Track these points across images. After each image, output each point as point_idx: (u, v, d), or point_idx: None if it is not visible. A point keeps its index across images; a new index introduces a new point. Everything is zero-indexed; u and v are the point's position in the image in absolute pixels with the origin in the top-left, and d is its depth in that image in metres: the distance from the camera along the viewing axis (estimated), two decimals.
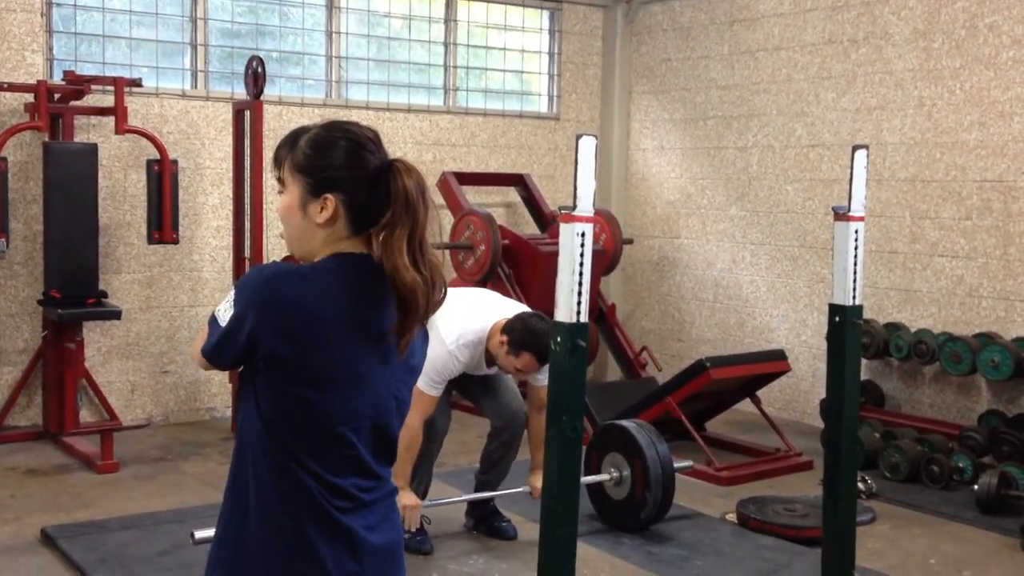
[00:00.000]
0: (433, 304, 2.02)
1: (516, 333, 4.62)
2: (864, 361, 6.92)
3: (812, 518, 5.22)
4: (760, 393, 6.84)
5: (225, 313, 1.97)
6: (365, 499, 2.04)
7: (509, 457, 5.18)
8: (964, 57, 6.79)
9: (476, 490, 5.26)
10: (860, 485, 5.70)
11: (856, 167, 4.19)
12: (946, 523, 5.57)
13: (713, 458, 6.24)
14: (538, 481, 4.87)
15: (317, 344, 1.95)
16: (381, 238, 2.00)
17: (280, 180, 2.07)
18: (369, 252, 2.04)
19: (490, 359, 4.80)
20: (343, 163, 2.01)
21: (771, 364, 6.75)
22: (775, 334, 7.96)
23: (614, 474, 5.34)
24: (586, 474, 5.23)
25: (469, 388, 5.09)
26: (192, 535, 3.93)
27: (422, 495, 5.00)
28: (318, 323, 1.94)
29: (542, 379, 4.82)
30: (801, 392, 7.75)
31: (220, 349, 1.99)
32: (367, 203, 2.02)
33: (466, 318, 4.71)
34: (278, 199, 2.11)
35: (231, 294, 1.99)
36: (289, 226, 2.07)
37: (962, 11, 6.80)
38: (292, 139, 2.07)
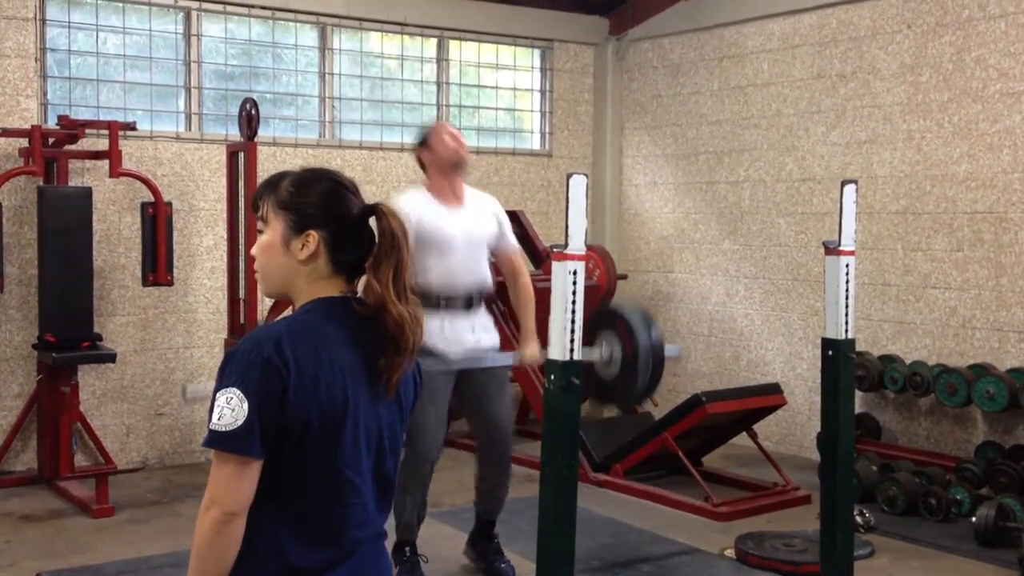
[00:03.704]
0: (418, 339, 2.05)
1: (418, 140, 4.92)
2: (860, 393, 6.92)
3: (811, 553, 5.19)
4: (757, 427, 6.83)
5: (232, 412, 1.90)
6: (351, 548, 2.04)
7: (502, 486, 5.06)
8: (952, 90, 6.85)
9: (477, 523, 5.18)
10: (858, 519, 5.68)
11: (845, 202, 4.23)
12: (944, 556, 5.54)
13: (711, 493, 6.22)
14: (527, 347, 4.83)
15: (318, 393, 1.95)
16: (368, 273, 2.04)
17: (262, 219, 2.10)
18: (348, 294, 2.07)
19: (447, 194, 4.85)
20: (326, 200, 2.06)
21: (767, 398, 6.75)
22: (770, 367, 7.96)
23: (604, 353, 5.11)
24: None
25: (465, 398, 4.94)
26: (184, 390, 3.73)
27: (418, 522, 4.92)
28: (315, 373, 1.95)
29: (509, 242, 4.97)
30: (798, 426, 7.74)
31: (247, 446, 1.90)
32: (348, 243, 2.06)
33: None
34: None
35: (228, 394, 1.91)
36: (269, 264, 2.09)
37: (949, 45, 6.87)
38: (274, 181, 2.11)
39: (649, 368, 4.98)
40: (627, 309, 5.21)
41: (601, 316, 5.23)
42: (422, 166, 4.93)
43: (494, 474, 5.05)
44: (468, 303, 4.81)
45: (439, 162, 4.82)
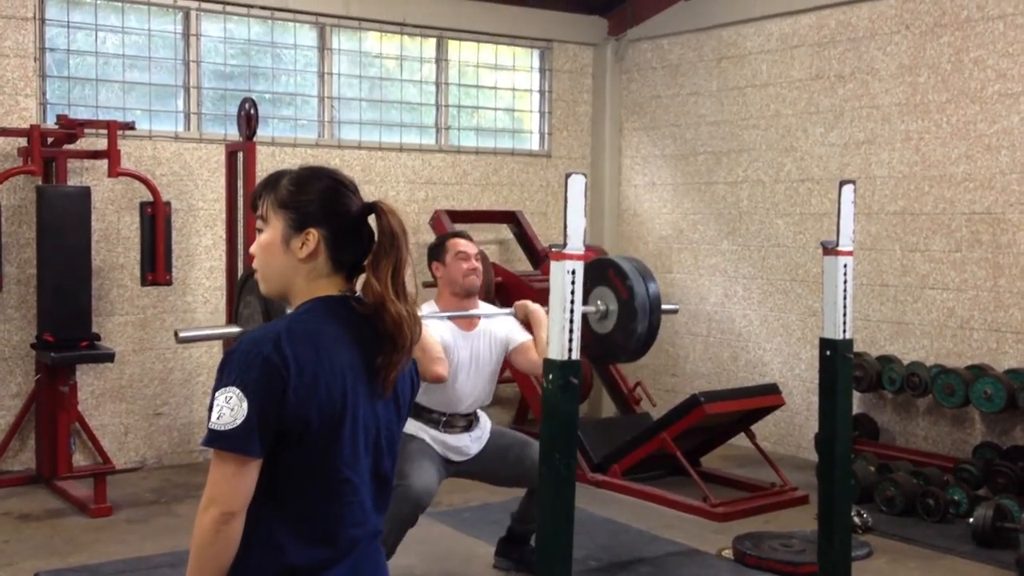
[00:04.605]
0: (417, 336, 2.06)
1: (431, 249, 4.75)
2: (858, 394, 6.93)
3: (808, 553, 5.20)
4: (755, 427, 6.83)
5: (232, 411, 1.89)
6: (349, 547, 2.04)
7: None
8: (950, 91, 6.86)
9: (510, 533, 5.12)
10: (856, 519, 5.68)
11: (843, 202, 4.23)
12: (942, 557, 5.55)
13: (709, 494, 6.22)
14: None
15: (318, 392, 1.96)
16: (367, 271, 2.05)
17: (261, 218, 2.10)
18: (347, 293, 2.08)
19: (463, 315, 4.65)
20: (326, 199, 2.07)
21: (765, 398, 6.75)
22: (769, 368, 7.97)
23: (600, 307, 5.00)
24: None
25: (483, 470, 4.80)
26: (176, 334, 3.65)
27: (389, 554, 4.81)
28: (314, 373, 1.96)
29: (521, 335, 4.69)
30: (796, 426, 7.75)
31: (247, 445, 1.89)
32: (348, 241, 2.06)
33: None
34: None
35: (227, 394, 1.90)
36: (268, 264, 2.09)
37: (947, 46, 6.88)
38: (273, 179, 2.12)
39: (647, 313, 4.82)
40: (617, 257, 5.13)
41: (590, 269, 4.96)
42: (434, 278, 4.75)
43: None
44: (468, 425, 4.70)
45: (452, 286, 4.66)
